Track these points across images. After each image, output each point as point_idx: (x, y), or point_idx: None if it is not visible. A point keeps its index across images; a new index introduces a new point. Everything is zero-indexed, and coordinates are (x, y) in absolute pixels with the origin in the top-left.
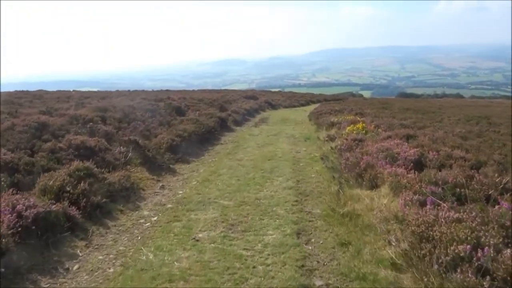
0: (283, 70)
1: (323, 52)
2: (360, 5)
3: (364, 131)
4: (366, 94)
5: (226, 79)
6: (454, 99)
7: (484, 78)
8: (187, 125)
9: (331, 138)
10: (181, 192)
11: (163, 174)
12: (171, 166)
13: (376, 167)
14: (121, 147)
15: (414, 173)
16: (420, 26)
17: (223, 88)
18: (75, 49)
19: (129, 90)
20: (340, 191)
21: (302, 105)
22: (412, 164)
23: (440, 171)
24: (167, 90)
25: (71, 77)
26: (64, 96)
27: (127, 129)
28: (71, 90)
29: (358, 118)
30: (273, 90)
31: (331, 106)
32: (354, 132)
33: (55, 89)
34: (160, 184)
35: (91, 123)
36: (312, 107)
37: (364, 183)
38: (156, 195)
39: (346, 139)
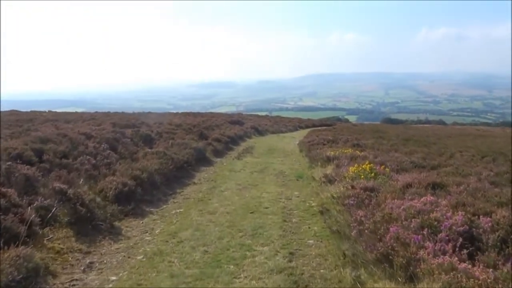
0: (271, 93)
1: (311, 76)
2: (347, 32)
3: (372, 174)
4: (352, 118)
5: (215, 101)
6: (441, 126)
7: (465, 105)
8: (151, 160)
9: (330, 180)
10: (114, 278)
11: (99, 239)
12: (115, 224)
13: (410, 246)
14: (43, 200)
15: (476, 262)
16: (404, 53)
17: (211, 110)
18: (62, 66)
19: (109, 112)
20: (358, 284)
21: (290, 130)
22: (460, 239)
23: (503, 251)
24: (148, 113)
25: (58, 96)
26: (26, 119)
27: (68, 168)
28: (46, 110)
29: (358, 152)
30: (260, 113)
31: (323, 134)
32: (361, 175)
33: (37, 108)
34: (88, 261)
35: (9, 163)
36: (300, 133)
37: (395, 272)
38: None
39: (353, 187)
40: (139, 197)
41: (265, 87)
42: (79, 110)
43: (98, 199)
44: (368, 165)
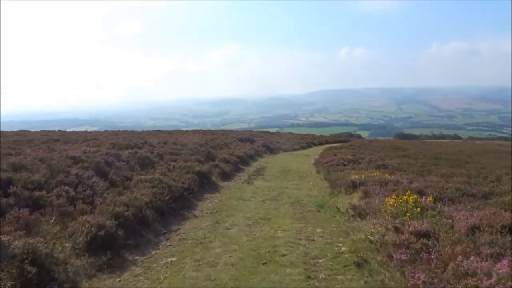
0: (282, 110)
1: (322, 92)
2: (356, 48)
3: (418, 209)
4: (364, 134)
5: (226, 118)
6: (460, 141)
7: (480, 120)
8: (143, 189)
9: (360, 213)
10: None
11: None
12: (81, 286)
13: None
14: None
15: None
16: (415, 68)
17: (222, 127)
18: (75, 84)
19: (119, 130)
20: None
21: (303, 147)
22: None
23: None
24: (158, 131)
25: (74, 115)
26: (26, 140)
27: (39, 202)
28: (57, 130)
29: (387, 176)
30: (271, 130)
31: (341, 153)
32: (404, 209)
33: (52, 127)
34: None
35: None
36: (314, 151)
37: None
38: None
39: (399, 229)
40: (121, 242)
41: (275, 103)
42: (93, 128)
43: (67, 246)
44: (411, 197)
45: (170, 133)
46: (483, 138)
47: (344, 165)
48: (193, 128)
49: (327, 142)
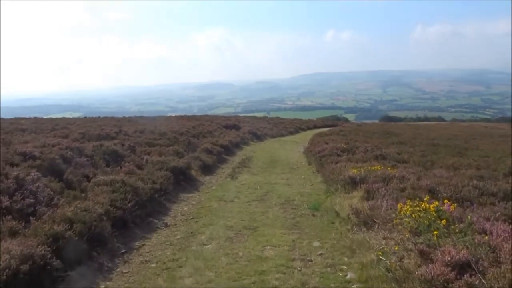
0: (269, 94)
1: (308, 76)
2: (343, 30)
3: (442, 221)
4: (350, 117)
5: (212, 103)
6: (447, 123)
7: (463, 102)
8: (100, 195)
9: (366, 222)
10: None
11: None
12: None
13: None
14: None
15: None
16: (400, 51)
17: (208, 112)
18: (57, 69)
19: (99, 117)
20: None
21: (291, 133)
22: None
23: None
24: (140, 117)
25: (56, 101)
26: None
27: None
28: (32, 117)
29: (390, 170)
30: (258, 114)
31: (332, 140)
32: (422, 219)
33: (34, 114)
34: None
35: None
36: (303, 136)
37: None
38: None
39: (425, 255)
40: (56, 275)
41: (262, 87)
42: (76, 115)
43: None
44: (433, 205)
45: (153, 119)
46: (466, 119)
47: (338, 155)
48: (179, 113)
49: (315, 127)
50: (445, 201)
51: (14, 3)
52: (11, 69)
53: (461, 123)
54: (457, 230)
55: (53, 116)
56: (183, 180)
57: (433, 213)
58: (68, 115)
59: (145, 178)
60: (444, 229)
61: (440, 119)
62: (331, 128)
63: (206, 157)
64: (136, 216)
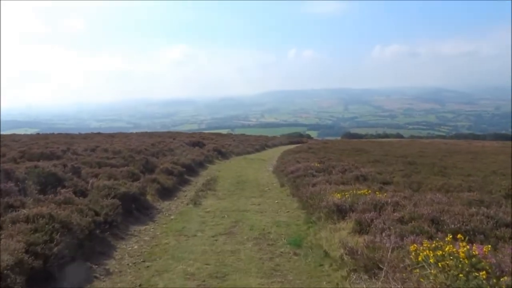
0: (233, 110)
1: (272, 93)
2: (304, 49)
3: (482, 273)
4: (313, 134)
5: (176, 119)
6: (411, 140)
7: (420, 119)
8: (15, 236)
9: (367, 267)
10: None
11: None
12: None
13: None
14: None
15: None
16: (360, 70)
17: (172, 129)
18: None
19: (53, 133)
20: None
21: (257, 150)
22: None
23: None
24: (98, 133)
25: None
26: None
27: None
28: None
29: (378, 194)
30: (223, 131)
31: (303, 158)
32: (452, 269)
33: None
34: None
35: None
36: (269, 154)
37: None
38: None
39: None
40: None
41: (226, 104)
42: (31, 131)
43: None
44: (463, 249)
45: (111, 136)
46: (423, 136)
47: (314, 175)
48: (142, 129)
49: (281, 144)
50: (459, 236)
51: None
52: None
53: (420, 140)
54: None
55: (5, 132)
56: (135, 208)
57: (465, 260)
58: (23, 131)
59: (85, 209)
60: (457, 273)
61: (399, 135)
62: (298, 145)
63: (166, 179)
64: (67, 262)
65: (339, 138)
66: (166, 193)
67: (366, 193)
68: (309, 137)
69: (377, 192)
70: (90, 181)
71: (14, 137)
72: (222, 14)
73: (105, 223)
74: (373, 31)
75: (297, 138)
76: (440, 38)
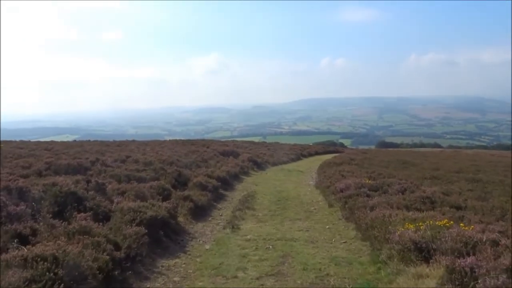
0: (265, 118)
1: (304, 101)
2: (337, 58)
3: None
4: (346, 142)
5: (210, 126)
6: (455, 151)
7: (458, 128)
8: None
9: None
10: None
11: None
12: None
13: None
14: None
15: None
16: (395, 78)
17: (205, 136)
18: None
19: (89, 140)
20: None
21: (293, 160)
22: None
23: None
24: (132, 141)
25: (53, 122)
26: None
27: None
28: (18, 140)
29: (463, 226)
30: (255, 139)
31: (347, 172)
32: None
33: (24, 136)
34: None
35: None
36: (306, 164)
37: None
38: None
39: None
40: None
41: (259, 112)
42: (72, 137)
43: None
44: None
45: (145, 144)
46: (462, 146)
47: (368, 195)
48: (176, 136)
49: (316, 153)
50: None
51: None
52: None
53: (464, 150)
54: None
55: (48, 139)
56: (165, 235)
57: None
58: (64, 137)
59: (102, 241)
60: None
61: (436, 145)
62: (335, 154)
63: (199, 195)
64: None
65: (373, 147)
66: (200, 212)
67: (447, 224)
68: (342, 145)
69: (461, 224)
70: (115, 200)
71: (48, 145)
72: (255, 23)
73: (126, 259)
74: (409, 39)
75: (333, 147)
76: (480, 46)
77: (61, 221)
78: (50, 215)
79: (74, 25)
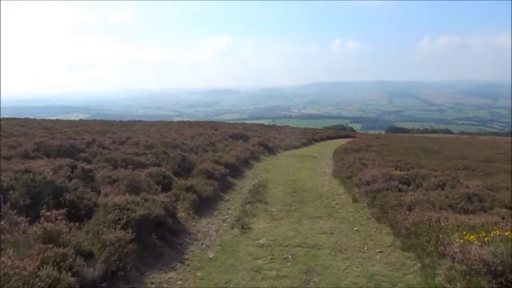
0: (274, 101)
1: (314, 85)
2: (348, 40)
3: None
4: (356, 127)
5: (219, 108)
6: (472, 137)
7: (471, 114)
8: None
9: None
10: None
11: None
12: None
13: None
14: None
15: None
16: (407, 62)
17: (214, 117)
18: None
19: (95, 120)
20: None
21: (304, 144)
22: None
23: None
24: (139, 121)
25: (64, 101)
26: None
27: None
28: (23, 117)
29: None
30: (264, 122)
31: (369, 160)
32: None
33: (35, 114)
34: None
35: None
36: (318, 149)
37: None
38: None
39: None
40: None
41: (268, 95)
42: (83, 116)
43: None
44: None
45: (152, 124)
46: (474, 132)
47: (400, 189)
48: (185, 118)
49: (328, 138)
50: None
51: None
52: (16, 70)
53: (480, 137)
54: None
55: (55, 118)
56: (159, 237)
57: None
58: (75, 116)
59: (70, 254)
60: None
61: (448, 131)
62: (348, 139)
63: (205, 185)
64: None
65: (383, 132)
66: (205, 205)
67: (503, 234)
68: (352, 130)
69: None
70: (103, 191)
71: (50, 123)
72: (266, 5)
73: (103, 277)
74: (422, 22)
75: (344, 132)
76: (495, 30)
77: (29, 219)
78: (14, 212)
79: (81, 5)
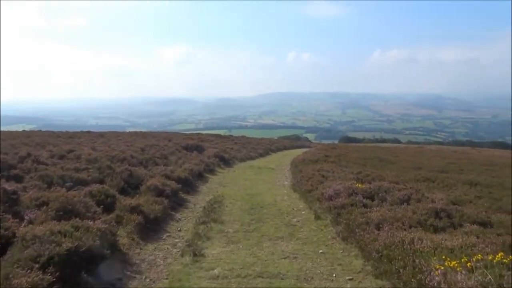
0: (231, 111)
1: (270, 95)
2: (303, 52)
3: None
4: (311, 137)
5: (173, 118)
6: (419, 146)
7: (417, 125)
8: None
9: None
10: None
11: None
12: None
13: None
14: None
15: None
16: (359, 74)
17: (168, 128)
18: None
19: (40, 130)
20: None
21: (261, 155)
22: None
23: None
24: (88, 132)
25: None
26: None
27: None
28: None
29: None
30: (221, 132)
31: (328, 172)
32: None
33: None
34: None
35: None
36: (276, 160)
37: None
38: None
39: None
40: None
41: (224, 105)
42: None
43: None
44: None
45: (101, 135)
46: (420, 142)
47: (364, 205)
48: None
49: (285, 148)
50: None
51: None
52: None
53: (428, 146)
54: None
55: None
56: (91, 273)
57: None
58: (20, 127)
59: None
60: None
61: (396, 140)
62: (304, 149)
63: (153, 203)
64: None
65: (336, 141)
66: (152, 227)
67: (505, 260)
68: (307, 139)
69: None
70: (26, 218)
71: None
72: (222, 14)
73: None
74: (373, 36)
75: (300, 142)
76: (441, 45)
77: None
78: None
79: (35, 9)
